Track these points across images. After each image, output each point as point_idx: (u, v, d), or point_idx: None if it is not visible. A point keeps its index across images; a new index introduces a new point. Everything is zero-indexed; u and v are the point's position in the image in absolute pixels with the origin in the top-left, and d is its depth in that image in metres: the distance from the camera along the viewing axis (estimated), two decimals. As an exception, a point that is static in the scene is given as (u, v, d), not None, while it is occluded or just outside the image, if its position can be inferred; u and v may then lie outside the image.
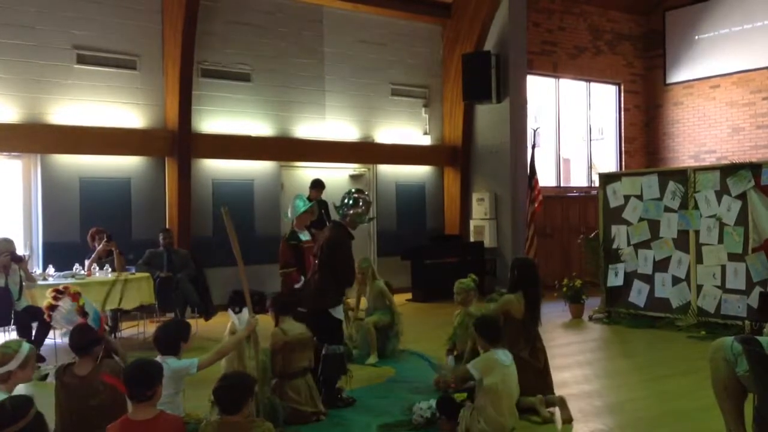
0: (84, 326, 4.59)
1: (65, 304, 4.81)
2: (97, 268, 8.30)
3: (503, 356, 4.92)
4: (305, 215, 7.32)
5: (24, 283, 7.37)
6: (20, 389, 4.71)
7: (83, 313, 4.66)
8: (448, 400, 5.11)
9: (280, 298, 5.86)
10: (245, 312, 5.02)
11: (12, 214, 9.53)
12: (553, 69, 14.35)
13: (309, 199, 7.91)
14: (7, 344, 4.10)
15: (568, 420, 5.15)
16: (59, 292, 4.85)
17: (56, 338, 7.43)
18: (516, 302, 5.54)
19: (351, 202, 5.82)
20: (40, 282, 7.66)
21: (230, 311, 5.31)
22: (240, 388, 3.73)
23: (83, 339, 4.46)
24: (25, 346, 4.06)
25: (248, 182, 11.12)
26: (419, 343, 7.78)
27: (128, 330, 8.79)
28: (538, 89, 14.22)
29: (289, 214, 7.37)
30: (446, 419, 4.91)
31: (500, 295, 5.97)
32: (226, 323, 5.88)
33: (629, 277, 9.61)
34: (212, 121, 10.77)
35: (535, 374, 5.40)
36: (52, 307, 4.82)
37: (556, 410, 5.27)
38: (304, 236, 7.27)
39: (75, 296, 4.75)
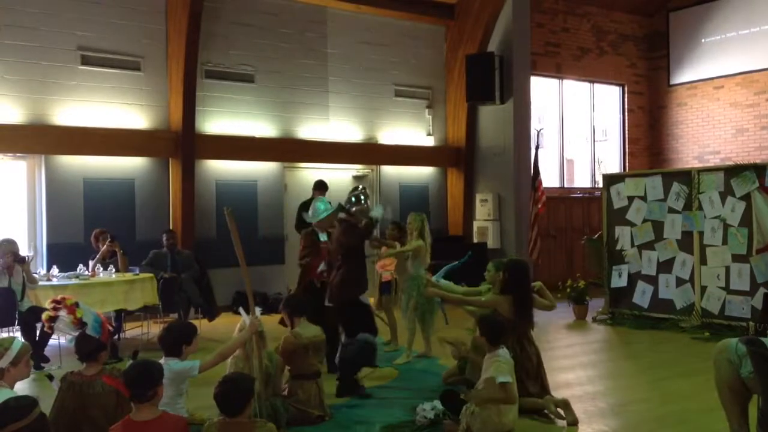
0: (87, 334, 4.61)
1: (63, 315, 4.80)
2: (101, 268, 8.32)
3: (507, 355, 4.96)
4: (326, 220, 7.25)
5: (26, 284, 7.38)
6: (25, 390, 4.71)
7: (81, 324, 4.65)
8: (453, 395, 5.12)
9: (293, 298, 5.82)
10: (257, 311, 5.01)
11: (16, 215, 9.53)
12: (557, 70, 14.34)
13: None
14: None
15: (573, 422, 5.14)
16: (58, 303, 4.84)
17: (60, 339, 7.43)
18: (505, 303, 5.56)
19: (354, 200, 6.34)
20: (43, 283, 7.67)
21: (241, 310, 5.19)
22: (239, 391, 3.73)
23: (88, 346, 4.48)
24: (17, 343, 4.04)
25: (252, 183, 11.12)
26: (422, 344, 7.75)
27: (132, 330, 8.81)
28: (542, 90, 14.20)
29: (310, 215, 7.34)
30: (451, 421, 4.91)
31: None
32: (230, 324, 5.87)
33: (633, 279, 9.60)
34: (216, 122, 10.78)
35: (527, 374, 5.42)
36: (52, 319, 4.81)
37: (560, 412, 5.27)
38: (323, 237, 7.25)
39: (71, 309, 4.71)
